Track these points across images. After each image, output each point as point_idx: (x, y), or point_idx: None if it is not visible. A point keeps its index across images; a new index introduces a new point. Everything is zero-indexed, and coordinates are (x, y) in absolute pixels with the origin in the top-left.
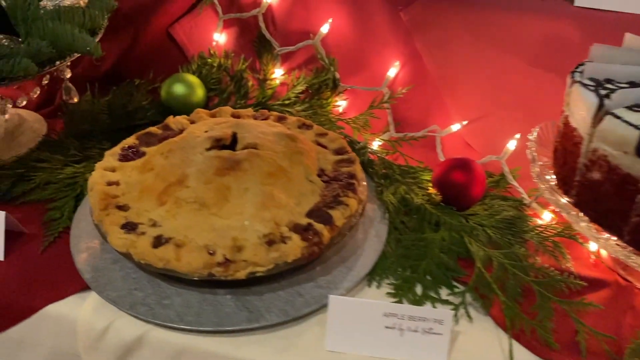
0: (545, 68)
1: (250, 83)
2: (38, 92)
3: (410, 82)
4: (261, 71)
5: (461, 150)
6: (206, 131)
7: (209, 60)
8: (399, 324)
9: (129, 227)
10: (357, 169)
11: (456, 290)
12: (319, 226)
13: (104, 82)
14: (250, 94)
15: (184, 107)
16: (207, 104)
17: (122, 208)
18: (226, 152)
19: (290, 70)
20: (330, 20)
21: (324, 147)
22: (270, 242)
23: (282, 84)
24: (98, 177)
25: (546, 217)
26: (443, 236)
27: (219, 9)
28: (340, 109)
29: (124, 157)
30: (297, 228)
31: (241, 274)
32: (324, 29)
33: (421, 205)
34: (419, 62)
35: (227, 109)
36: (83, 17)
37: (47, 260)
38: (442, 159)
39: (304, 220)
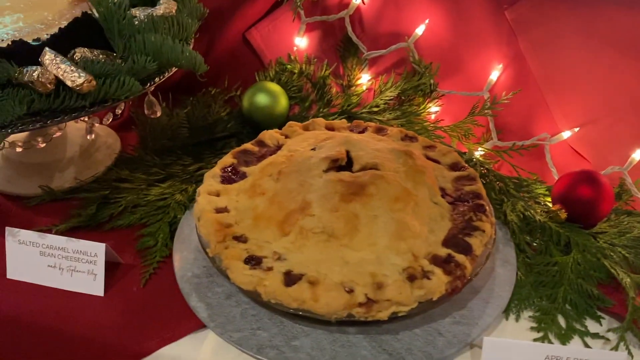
0: None
1: (333, 90)
2: (123, 107)
3: (511, 86)
4: (345, 77)
5: (570, 159)
6: (313, 149)
7: (289, 66)
8: None
9: (254, 261)
10: (481, 187)
11: (602, 319)
12: (460, 257)
13: (176, 92)
14: (333, 102)
15: (267, 118)
16: (288, 114)
17: (239, 239)
18: (347, 175)
19: (377, 74)
20: (427, 21)
21: (437, 161)
22: (411, 277)
23: (368, 89)
24: (205, 203)
25: None
26: (576, 259)
27: (302, 12)
28: (433, 117)
29: (226, 179)
30: (436, 260)
31: (383, 315)
32: (419, 30)
33: (545, 223)
34: (521, 65)
35: (321, 121)
36: (177, 25)
37: (150, 295)
38: (552, 169)
39: (443, 251)
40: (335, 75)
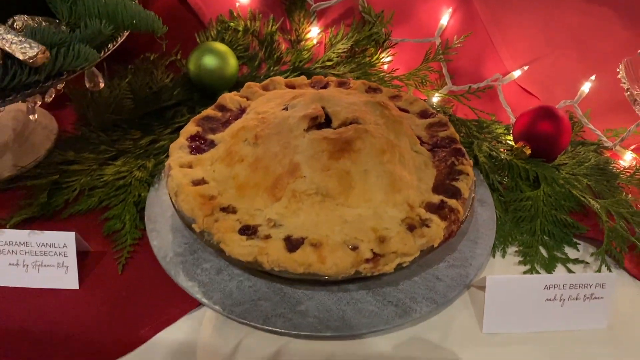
0: (600, 3)
1: (282, 46)
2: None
3: (460, 29)
4: (293, 31)
5: (520, 98)
6: (284, 109)
7: (232, 24)
8: (559, 295)
9: (249, 231)
10: (454, 132)
11: (578, 245)
12: (452, 202)
13: (111, 61)
14: (284, 59)
15: (218, 81)
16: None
17: (227, 210)
18: (331, 132)
19: (326, 27)
20: None
21: (405, 110)
22: (411, 227)
23: (319, 43)
24: (181, 177)
25: (627, 157)
26: (546, 191)
27: None
28: (386, 67)
29: (195, 149)
30: (431, 207)
31: (390, 267)
32: None
33: (511, 161)
34: (468, 8)
35: (280, 79)
36: None
37: (131, 281)
38: (507, 108)
39: (435, 198)
40: (282, 30)
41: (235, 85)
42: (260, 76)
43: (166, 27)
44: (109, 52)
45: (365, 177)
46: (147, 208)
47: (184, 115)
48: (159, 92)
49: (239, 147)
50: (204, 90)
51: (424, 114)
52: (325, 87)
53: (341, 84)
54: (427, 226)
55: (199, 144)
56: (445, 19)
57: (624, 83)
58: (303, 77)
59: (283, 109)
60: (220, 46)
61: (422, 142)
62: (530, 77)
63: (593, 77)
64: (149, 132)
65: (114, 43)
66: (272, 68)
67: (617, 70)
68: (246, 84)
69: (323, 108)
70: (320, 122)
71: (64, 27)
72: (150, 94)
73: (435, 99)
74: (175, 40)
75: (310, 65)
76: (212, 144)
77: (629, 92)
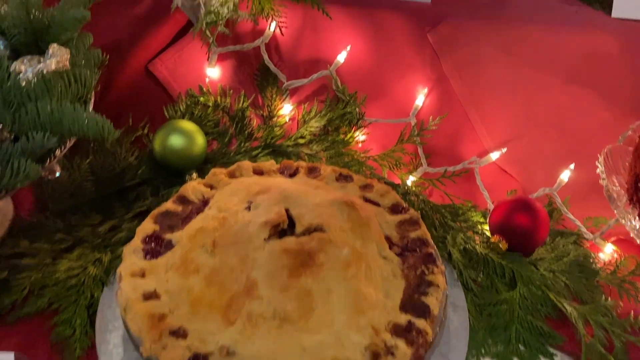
0: (581, 83)
1: (254, 122)
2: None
3: (436, 108)
4: (265, 107)
5: (499, 178)
6: (247, 207)
7: (202, 99)
8: None
9: None
10: (425, 231)
11: (555, 357)
12: (420, 323)
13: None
14: (255, 135)
15: (184, 161)
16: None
17: (178, 334)
18: (292, 242)
19: (299, 103)
20: (348, 48)
21: (376, 203)
22: (375, 354)
23: (291, 119)
24: (130, 290)
25: (608, 249)
26: (522, 293)
27: (211, 40)
28: (360, 145)
29: (150, 253)
30: (397, 330)
31: None
32: (341, 57)
33: (487, 255)
34: (444, 87)
35: (247, 165)
36: (75, 82)
37: None
38: (484, 192)
39: (402, 318)
40: (254, 106)
41: (205, 161)
42: (230, 152)
43: (119, 132)
44: (57, 158)
45: (327, 298)
46: (98, 313)
47: (147, 198)
48: (122, 172)
49: (196, 255)
50: (171, 170)
51: (395, 209)
52: (294, 173)
53: (311, 171)
54: (392, 354)
55: (154, 246)
56: (420, 99)
57: (603, 180)
58: (272, 162)
59: (246, 208)
60: (188, 125)
61: (391, 244)
62: (509, 156)
63: (572, 166)
64: (109, 216)
65: (62, 149)
66: (243, 144)
67: (597, 163)
68: (212, 171)
69: (287, 210)
70: (283, 228)
71: (6, 133)
72: (113, 174)
73: (410, 181)
74: (142, 114)
75: (283, 142)
76: (169, 245)
77: (606, 189)
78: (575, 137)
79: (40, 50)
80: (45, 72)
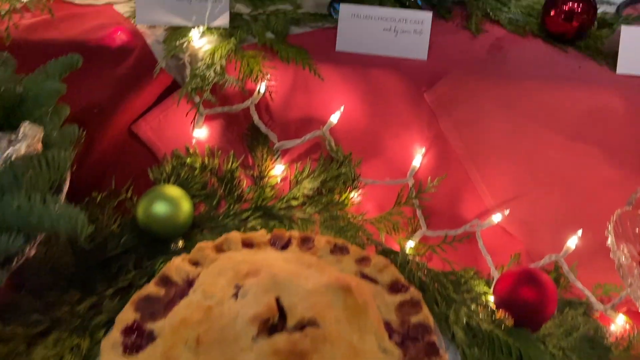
0: (586, 141)
1: (244, 183)
2: None
3: (434, 167)
4: (255, 167)
5: (501, 240)
6: (235, 294)
7: (188, 160)
8: None
9: None
10: (427, 315)
11: None
12: None
13: None
14: (245, 197)
15: (169, 229)
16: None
17: None
18: (283, 341)
19: (292, 162)
20: (342, 108)
21: (374, 280)
22: None
23: (283, 179)
24: None
25: (619, 321)
26: None
27: (198, 104)
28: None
29: (130, 347)
30: None
31: None
32: (334, 117)
33: (492, 332)
34: (443, 145)
35: (236, 238)
36: (47, 167)
37: None
38: (487, 257)
39: None
40: (244, 166)
41: (192, 226)
42: (219, 216)
43: (92, 226)
44: (24, 257)
45: None
46: None
47: (130, 271)
48: (104, 241)
49: (178, 352)
50: (155, 238)
51: (394, 287)
52: (286, 245)
53: (304, 242)
54: None
55: (135, 339)
56: (417, 159)
57: (614, 253)
58: (262, 232)
59: (233, 295)
60: (173, 190)
61: (391, 332)
62: (512, 216)
63: (579, 233)
64: (89, 291)
65: (31, 245)
66: (232, 207)
67: (606, 234)
68: (197, 246)
69: (278, 300)
70: (273, 323)
71: None
72: (94, 245)
73: (409, 247)
74: (125, 176)
75: (275, 204)
76: (150, 337)
77: (618, 264)
78: (581, 195)
79: (11, 125)
80: (14, 157)
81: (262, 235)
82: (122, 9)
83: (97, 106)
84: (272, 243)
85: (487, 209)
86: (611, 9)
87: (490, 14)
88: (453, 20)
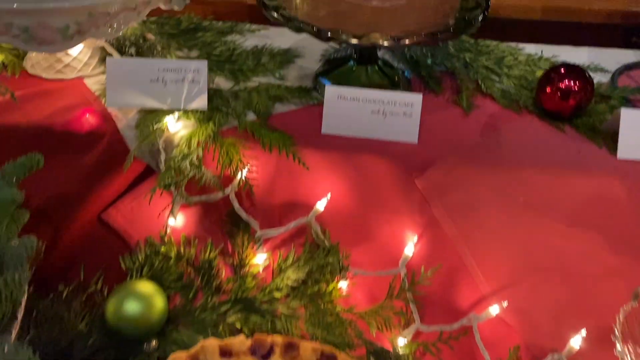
0: (585, 227)
1: (223, 272)
2: None
3: (428, 254)
4: (235, 255)
5: (498, 331)
6: None
7: (163, 249)
8: None
9: None
10: None
11: None
12: None
13: None
14: (224, 288)
15: (141, 330)
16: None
17: None
18: None
19: (275, 248)
20: (329, 196)
21: None
22: None
23: (265, 268)
24: None
25: None
26: None
27: (174, 197)
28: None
29: None
30: None
31: None
32: (320, 205)
33: None
34: (436, 231)
35: (213, 347)
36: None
37: None
38: (484, 353)
39: None
40: (223, 254)
41: (167, 321)
42: (195, 310)
43: None
44: None
45: None
46: None
47: None
48: (70, 344)
49: None
50: (125, 339)
51: None
52: (268, 354)
53: (288, 349)
54: None
55: None
56: (410, 248)
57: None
58: (242, 339)
59: None
60: (145, 286)
61: None
62: (509, 304)
63: (584, 333)
64: None
65: None
66: (210, 299)
67: (612, 339)
68: (171, 357)
69: None
70: None
71: None
72: (60, 348)
73: (402, 344)
74: (96, 266)
75: (256, 295)
76: None
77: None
78: (582, 284)
79: None
80: None
81: (241, 342)
82: (93, 86)
83: (64, 196)
84: (253, 351)
85: (483, 297)
86: (605, 77)
87: (482, 85)
88: (443, 94)
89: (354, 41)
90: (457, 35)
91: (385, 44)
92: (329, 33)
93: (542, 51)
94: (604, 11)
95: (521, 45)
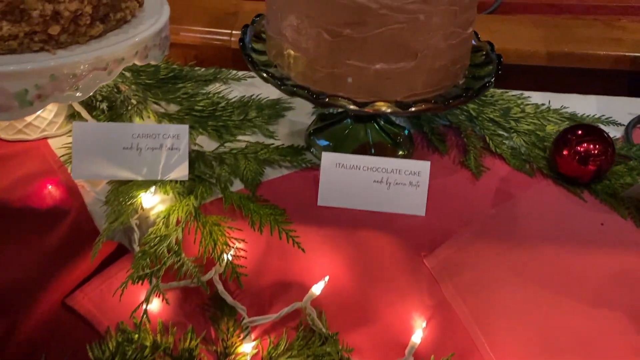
0: (610, 307)
1: None
2: None
3: (437, 338)
4: (219, 342)
5: None
6: None
7: (136, 337)
8: None
9: None
10: None
11: None
12: None
13: None
14: None
15: None
16: None
17: None
18: None
19: (264, 333)
20: (326, 279)
21: None
22: None
23: (254, 356)
24: None
25: None
26: None
27: (151, 286)
28: None
29: None
30: None
31: None
32: (317, 288)
33: None
34: (446, 313)
35: None
36: None
37: None
38: None
39: None
40: (205, 340)
41: None
42: None
43: None
44: None
45: None
46: None
47: None
48: None
49: None
50: None
51: None
52: None
53: None
54: None
55: None
56: (418, 335)
57: None
58: None
59: None
60: None
61: None
62: None
63: None
64: None
65: None
66: None
67: None
68: None
69: None
70: None
71: None
72: None
73: None
74: (59, 357)
75: None
76: None
77: None
78: None
79: None
80: None
81: None
82: (59, 150)
83: (23, 281)
84: None
85: None
86: (617, 130)
87: (490, 143)
88: (449, 154)
89: (355, 108)
90: (470, 99)
91: (390, 111)
92: (327, 99)
93: (549, 101)
94: (611, 57)
95: (526, 93)
